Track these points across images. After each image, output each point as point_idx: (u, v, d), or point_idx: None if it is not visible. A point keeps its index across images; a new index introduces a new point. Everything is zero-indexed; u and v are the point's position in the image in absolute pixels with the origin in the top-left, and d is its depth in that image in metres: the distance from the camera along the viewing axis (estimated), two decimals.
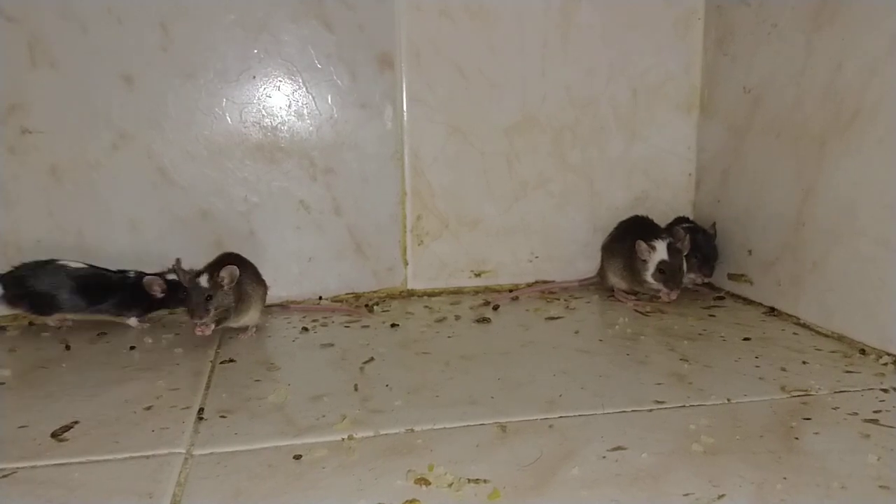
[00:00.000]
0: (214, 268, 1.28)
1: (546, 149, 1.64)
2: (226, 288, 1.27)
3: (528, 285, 1.67)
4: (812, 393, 1.02)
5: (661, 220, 1.62)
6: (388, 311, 1.52)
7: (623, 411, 0.97)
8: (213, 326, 1.27)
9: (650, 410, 0.97)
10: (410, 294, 1.63)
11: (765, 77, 1.44)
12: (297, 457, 0.86)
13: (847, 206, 1.24)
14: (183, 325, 1.42)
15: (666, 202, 1.70)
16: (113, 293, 1.40)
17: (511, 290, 1.64)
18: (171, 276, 1.40)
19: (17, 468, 0.85)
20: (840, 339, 1.26)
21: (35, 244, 1.44)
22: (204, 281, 1.26)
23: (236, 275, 1.27)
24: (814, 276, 1.33)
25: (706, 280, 1.58)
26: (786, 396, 1.01)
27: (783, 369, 1.12)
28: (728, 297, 1.57)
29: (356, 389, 1.07)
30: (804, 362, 1.15)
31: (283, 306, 1.53)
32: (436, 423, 0.94)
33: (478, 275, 1.66)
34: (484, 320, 1.44)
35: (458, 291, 1.65)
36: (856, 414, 0.95)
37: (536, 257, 1.68)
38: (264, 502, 0.76)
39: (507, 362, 1.19)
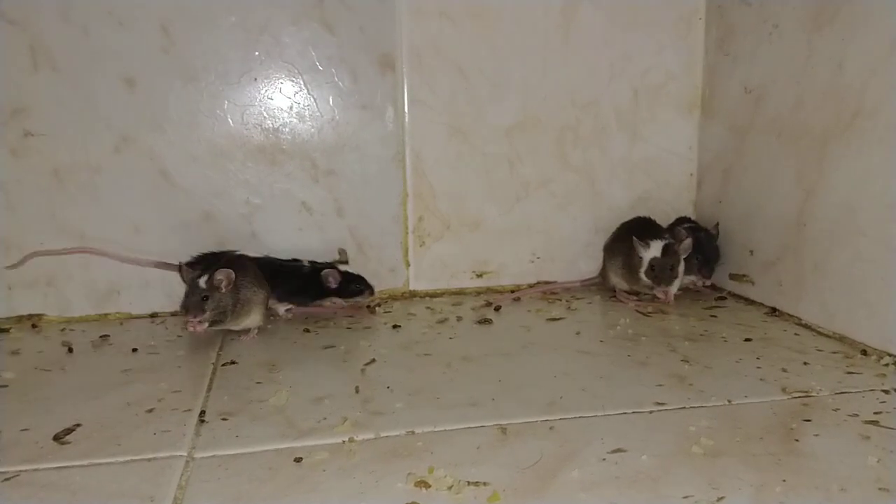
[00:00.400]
0: (216, 269, 1.28)
1: (547, 149, 1.64)
2: (223, 289, 1.27)
3: (530, 286, 1.68)
4: (813, 394, 1.02)
5: (663, 221, 1.62)
6: (389, 312, 1.53)
7: (623, 413, 0.97)
8: (205, 325, 1.28)
9: (650, 412, 0.97)
10: (412, 295, 1.64)
11: (766, 77, 1.44)
12: (298, 459, 0.86)
13: (848, 206, 1.24)
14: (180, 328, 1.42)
15: (667, 202, 1.70)
16: (286, 281, 1.46)
17: (513, 291, 1.64)
18: (344, 268, 1.49)
19: (20, 471, 0.85)
20: (841, 339, 1.26)
21: (37, 246, 1.44)
22: (202, 282, 1.27)
23: (232, 278, 1.27)
24: (815, 276, 1.33)
25: (706, 283, 1.58)
26: (786, 398, 1.01)
27: (784, 370, 1.12)
28: (729, 298, 1.57)
29: (357, 391, 1.07)
30: (805, 363, 1.15)
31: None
32: (436, 426, 0.94)
33: (479, 276, 1.66)
34: (485, 321, 1.44)
35: (459, 292, 1.65)
36: (856, 415, 0.95)
37: (538, 258, 1.68)
38: None
39: (509, 364, 1.20)
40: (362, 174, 1.57)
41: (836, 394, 1.02)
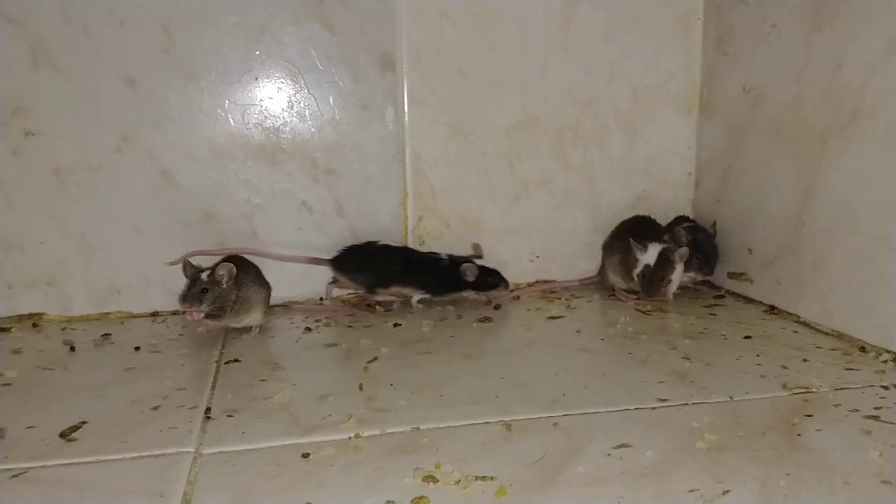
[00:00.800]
0: (217, 263, 1.30)
1: (547, 149, 1.65)
2: (224, 284, 1.28)
3: (529, 285, 1.68)
4: (813, 390, 1.03)
5: (662, 220, 1.63)
6: (390, 310, 1.53)
7: (626, 409, 0.98)
8: (202, 316, 1.29)
9: (653, 408, 0.98)
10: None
11: (764, 77, 1.45)
12: (305, 455, 0.86)
13: (847, 204, 1.25)
14: (186, 326, 1.43)
15: (666, 201, 1.71)
16: (424, 273, 1.55)
17: (512, 290, 1.65)
18: (480, 262, 1.56)
19: (28, 468, 0.85)
20: (840, 336, 1.27)
21: (38, 246, 1.45)
22: (204, 276, 1.28)
23: (233, 272, 1.29)
24: (814, 274, 1.34)
25: (706, 278, 1.59)
26: (787, 394, 1.02)
27: (784, 367, 1.13)
28: (728, 296, 1.58)
29: (361, 389, 1.08)
30: (805, 360, 1.16)
31: (286, 306, 1.54)
32: (441, 422, 0.95)
33: None
34: (486, 320, 1.45)
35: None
36: (857, 411, 0.96)
37: (537, 257, 1.69)
38: (274, 500, 0.77)
39: (510, 361, 1.20)
40: (362, 174, 1.57)
41: (836, 390, 1.03)
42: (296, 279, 1.57)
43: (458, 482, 0.79)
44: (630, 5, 1.62)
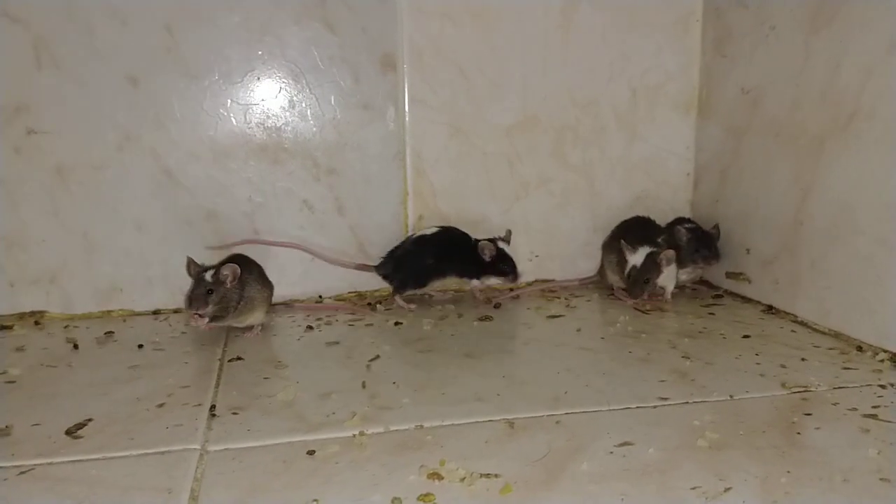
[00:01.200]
0: (221, 263, 1.30)
1: (547, 149, 1.66)
2: (228, 285, 1.29)
3: (529, 284, 1.69)
4: (812, 389, 1.04)
5: (661, 220, 1.63)
6: (390, 309, 1.54)
7: (628, 408, 0.99)
8: (207, 319, 1.29)
9: (654, 407, 0.99)
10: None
11: (763, 78, 1.46)
12: (311, 452, 0.87)
13: (845, 205, 1.26)
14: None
15: (665, 201, 1.72)
16: (459, 259, 1.56)
17: (512, 289, 1.65)
18: (502, 245, 1.55)
19: (35, 465, 0.86)
20: (837, 336, 1.28)
21: (40, 244, 1.45)
22: (208, 276, 1.29)
23: (238, 272, 1.29)
24: (812, 274, 1.35)
25: (713, 265, 1.59)
26: (786, 393, 1.03)
27: (783, 366, 1.14)
28: (726, 296, 1.59)
29: (364, 387, 1.09)
30: (803, 359, 1.17)
31: (287, 305, 1.54)
32: (444, 420, 0.96)
33: None
34: (486, 318, 1.46)
35: (459, 290, 1.66)
36: (855, 409, 0.97)
37: (537, 256, 1.70)
38: (281, 496, 0.77)
39: (511, 360, 1.22)
40: (363, 173, 1.58)
41: (835, 389, 1.04)
42: (296, 278, 1.58)
43: (462, 479, 0.80)
44: (630, 6, 1.63)
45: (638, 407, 0.99)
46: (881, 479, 0.79)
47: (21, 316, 1.46)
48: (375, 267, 1.57)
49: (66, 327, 1.43)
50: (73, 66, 1.42)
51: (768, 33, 1.43)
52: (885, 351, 1.18)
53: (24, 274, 1.46)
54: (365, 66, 1.54)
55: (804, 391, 1.04)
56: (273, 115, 1.52)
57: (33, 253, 1.45)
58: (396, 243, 1.58)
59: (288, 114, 1.52)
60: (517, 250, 1.67)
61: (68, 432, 0.94)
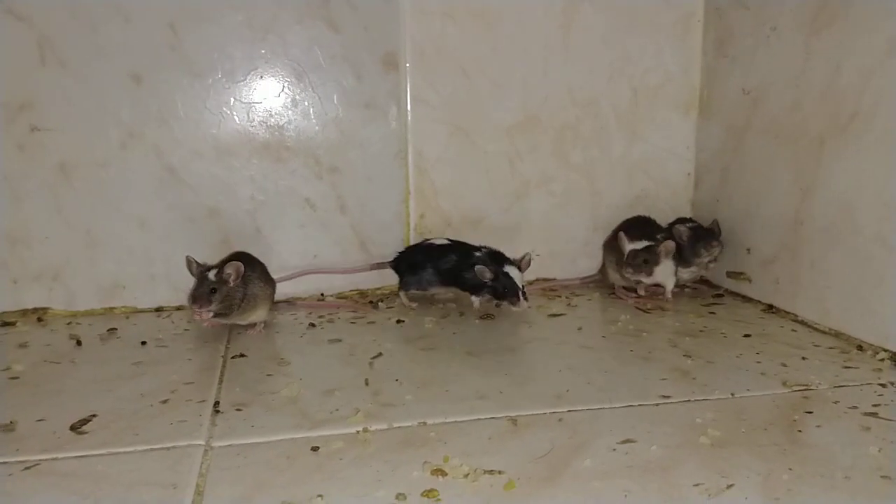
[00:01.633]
0: (225, 264, 1.30)
1: (548, 148, 1.66)
2: (231, 283, 1.29)
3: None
4: (812, 387, 1.05)
5: (661, 220, 1.64)
6: (392, 307, 1.55)
7: (630, 405, 1.00)
8: (210, 315, 1.29)
9: (656, 405, 1.00)
10: None
11: (764, 79, 1.46)
12: (315, 448, 0.88)
13: (845, 205, 1.26)
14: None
15: (665, 201, 1.73)
16: (460, 273, 1.50)
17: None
18: (509, 268, 1.45)
19: (40, 460, 0.86)
20: (837, 335, 1.29)
21: (43, 241, 1.46)
22: (212, 275, 1.29)
23: (241, 271, 1.30)
24: (812, 273, 1.35)
25: (715, 250, 1.57)
26: (787, 391, 1.04)
27: (783, 365, 1.14)
28: (727, 295, 1.60)
29: (367, 384, 1.09)
30: (803, 358, 1.18)
31: (290, 302, 1.55)
32: (447, 417, 0.96)
33: None
34: (487, 316, 1.46)
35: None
36: (856, 408, 0.98)
37: (538, 255, 1.69)
38: (286, 492, 0.78)
39: (513, 358, 1.22)
40: (365, 171, 1.58)
41: (835, 387, 1.05)
42: None
43: (466, 475, 0.80)
44: (631, 7, 1.63)
45: (640, 405, 1.00)
46: (882, 477, 0.79)
47: (24, 312, 1.47)
48: (390, 262, 1.58)
49: (68, 324, 1.43)
50: (76, 64, 1.42)
51: (769, 34, 1.44)
52: (886, 350, 1.18)
53: (27, 270, 1.46)
54: (367, 66, 1.54)
55: (805, 389, 1.04)
56: (276, 113, 1.52)
57: (36, 250, 1.46)
58: (413, 243, 1.60)
59: (290, 112, 1.53)
60: (518, 250, 1.67)
61: (73, 428, 0.95)
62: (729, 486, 0.77)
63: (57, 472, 0.84)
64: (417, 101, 1.58)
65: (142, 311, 1.52)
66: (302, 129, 1.54)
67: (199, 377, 1.13)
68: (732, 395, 1.02)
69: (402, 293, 1.56)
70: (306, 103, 1.53)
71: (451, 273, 1.51)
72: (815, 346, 1.24)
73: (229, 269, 1.28)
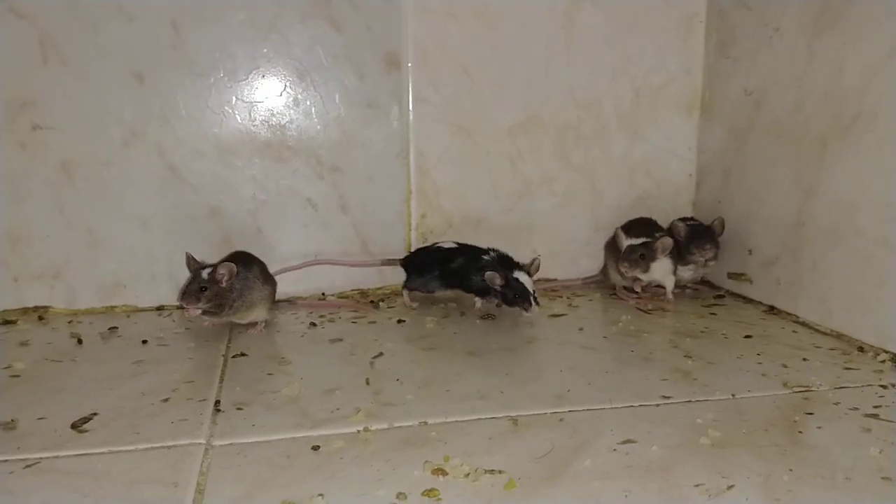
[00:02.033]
0: (220, 262, 1.32)
1: (549, 148, 1.66)
2: (223, 283, 1.29)
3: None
4: (813, 389, 1.05)
5: (663, 220, 1.64)
6: (393, 307, 1.55)
7: (631, 406, 0.99)
8: (198, 313, 1.30)
9: (657, 405, 1.00)
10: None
11: (766, 80, 1.46)
12: (315, 448, 0.88)
13: (847, 206, 1.26)
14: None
15: (667, 202, 1.73)
16: (465, 275, 1.50)
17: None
18: (519, 273, 1.43)
19: (41, 458, 0.86)
20: (838, 336, 1.29)
21: (44, 239, 1.46)
22: (205, 273, 1.30)
23: (234, 272, 1.30)
24: (813, 275, 1.35)
25: (708, 253, 1.57)
26: (788, 392, 1.04)
27: (784, 366, 1.14)
28: (728, 296, 1.60)
29: (368, 383, 1.09)
30: (804, 359, 1.18)
31: (290, 302, 1.55)
32: (448, 417, 0.96)
33: None
34: (488, 317, 1.46)
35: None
36: (856, 409, 0.98)
37: (539, 255, 1.69)
38: (287, 491, 0.78)
39: (514, 358, 1.22)
40: (367, 171, 1.58)
41: (836, 388, 1.05)
42: (298, 275, 1.58)
43: (467, 475, 0.80)
44: (633, 8, 1.63)
45: (640, 405, 1.00)
46: (883, 478, 0.79)
47: (25, 311, 1.47)
48: (400, 260, 1.58)
49: (69, 322, 1.44)
50: (78, 63, 1.42)
51: (772, 35, 1.44)
52: (887, 352, 1.18)
53: (28, 269, 1.46)
54: (369, 65, 1.54)
55: (806, 391, 1.04)
56: (277, 112, 1.52)
57: (38, 248, 1.46)
58: (421, 243, 1.62)
59: (292, 112, 1.53)
60: (519, 250, 1.67)
61: (74, 426, 0.95)
62: (729, 487, 0.77)
63: (58, 470, 0.84)
64: (419, 100, 1.58)
65: (143, 309, 1.52)
66: (304, 129, 1.54)
67: (199, 376, 1.13)
68: (733, 395, 1.02)
69: (405, 292, 1.56)
70: (308, 103, 1.53)
71: (458, 276, 1.50)
72: (816, 347, 1.24)
73: (222, 270, 1.28)
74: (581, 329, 1.38)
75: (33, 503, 0.77)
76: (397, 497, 0.76)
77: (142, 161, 1.47)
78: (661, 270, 1.54)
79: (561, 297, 1.61)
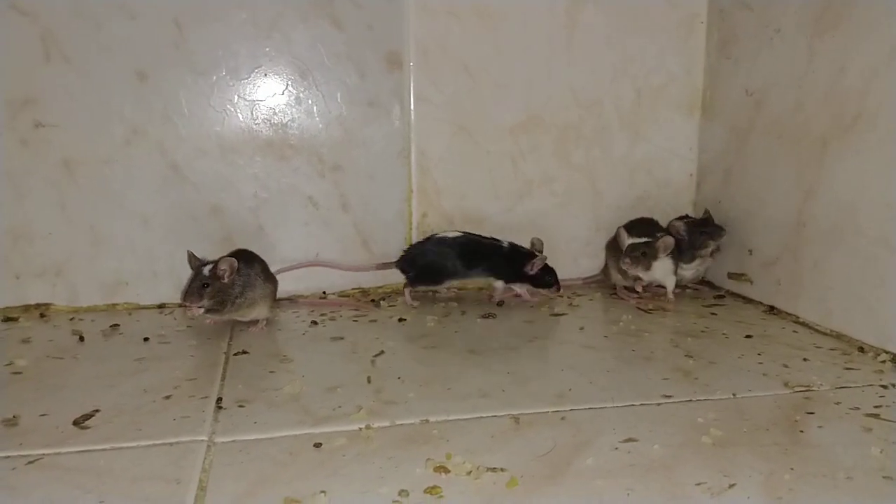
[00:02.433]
0: (220, 258, 1.31)
1: (550, 148, 1.66)
2: (225, 279, 1.29)
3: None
4: (814, 388, 1.05)
5: (663, 220, 1.64)
6: (394, 306, 1.55)
7: (632, 405, 1.00)
8: (201, 311, 1.30)
9: (658, 404, 1.00)
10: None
11: (767, 80, 1.47)
12: (318, 445, 0.88)
13: (847, 206, 1.27)
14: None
15: (667, 202, 1.73)
16: (486, 258, 1.55)
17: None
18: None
19: (43, 454, 0.86)
20: (839, 337, 1.29)
21: (47, 237, 1.46)
22: (206, 270, 1.30)
23: (234, 267, 1.30)
24: (813, 275, 1.36)
25: (719, 237, 1.59)
26: (789, 392, 1.04)
27: (785, 366, 1.15)
28: (728, 296, 1.60)
29: (369, 381, 1.09)
30: (805, 359, 1.18)
31: (292, 300, 1.55)
32: (450, 415, 0.96)
33: None
34: (489, 316, 1.46)
35: (462, 287, 1.67)
36: (857, 409, 0.98)
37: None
38: (289, 488, 0.78)
39: (515, 356, 1.22)
40: (368, 170, 1.59)
41: (837, 388, 1.05)
42: (300, 273, 1.58)
43: (469, 473, 0.80)
44: (634, 8, 1.63)
45: (642, 404, 1.00)
46: (884, 477, 0.79)
47: (27, 308, 1.47)
48: (395, 262, 1.58)
49: (71, 319, 1.44)
50: (81, 60, 1.42)
51: (773, 36, 1.44)
52: (887, 352, 1.18)
53: (30, 266, 1.46)
54: (371, 64, 1.55)
55: (806, 390, 1.04)
56: (279, 111, 1.52)
57: (39, 246, 1.46)
58: (416, 241, 1.61)
59: (294, 110, 1.53)
60: None
61: (76, 423, 0.95)
62: (731, 486, 0.77)
63: (60, 467, 0.84)
64: (420, 100, 1.58)
65: (144, 307, 1.52)
66: (305, 128, 1.54)
67: (201, 373, 1.13)
68: (734, 395, 1.03)
69: (406, 290, 1.56)
70: (310, 101, 1.53)
71: (486, 260, 1.55)
72: (817, 347, 1.24)
73: (223, 265, 1.29)
74: (582, 328, 1.38)
75: (35, 499, 0.77)
76: (399, 494, 0.76)
77: (144, 159, 1.47)
78: (662, 270, 1.54)
79: (562, 296, 1.61)
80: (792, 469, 0.81)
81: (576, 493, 0.77)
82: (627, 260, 1.51)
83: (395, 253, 1.61)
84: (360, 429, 0.92)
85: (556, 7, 1.60)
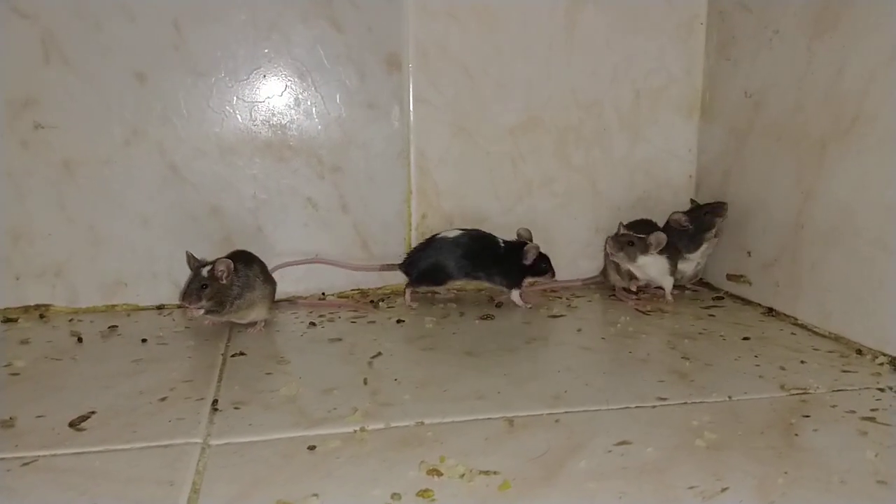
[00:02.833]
0: (218, 259, 1.31)
1: (550, 149, 1.66)
2: (224, 280, 1.30)
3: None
4: (811, 391, 1.05)
5: (663, 221, 1.63)
6: (392, 307, 1.55)
7: (627, 407, 1.00)
8: (200, 312, 1.30)
9: (653, 407, 1.00)
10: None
11: (766, 82, 1.46)
12: (312, 447, 0.88)
13: (846, 208, 1.26)
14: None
15: (667, 203, 1.73)
16: (485, 266, 1.55)
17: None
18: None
19: (38, 456, 0.87)
20: (837, 339, 1.29)
21: (46, 237, 1.46)
22: (204, 271, 1.30)
23: (231, 268, 1.30)
24: (812, 277, 1.35)
25: (723, 213, 1.58)
26: (785, 394, 1.04)
27: (782, 368, 1.14)
28: (727, 298, 1.60)
29: (365, 383, 1.09)
30: (802, 361, 1.18)
31: (290, 301, 1.55)
32: (445, 417, 0.97)
33: None
34: (487, 317, 1.46)
35: (461, 289, 1.67)
36: (853, 412, 0.98)
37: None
38: (282, 490, 0.78)
39: (512, 358, 1.22)
40: (367, 171, 1.59)
41: (833, 391, 1.05)
42: (299, 274, 1.59)
43: (462, 476, 0.81)
44: (634, 9, 1.63)
45: (637, 407, 1.00)
46: (878, 482, 0.79)
47: (26, 309, 1.47)
48: (399, 265, 1.58)
49: (70, 320, 1.44)
50: (81, 62, 1.42)
51: (772, 37, 1.44)
52: (885, 354, 1.18)
53: (29, 267, 1.47)
54: (370, 65, 1.55)
55: (803, 393, 1.04)
56: (279, 112, 1.53)
57: (39, 246, 1.46)
58: (418, 242, 1.60)
59: (293, 111, 1.53)
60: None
61: (72, 424, 0.95)
62: (724, 490, 0.77)
63: (55, 469, 0.84)
64: (420, 101, 1.58)
65: (143, 308, 1.52)
66: (304, 129, 1.54)
67: (198, 375, 1.14)
68: (730, 397, 1.03)
69: (407, 291, 1.56)
70: (309, 103, 1.54)
71: (483, 265, 1.54)
72: (815, 349, 1.24)
73: (221, 266, 1.29)
74: (580, 330, 1.38)
75: (30, 501, 0.77)
76: (392, 497, 0.76)
77: (143, 160, 1.48)
78: (658, 269, 1.54)
79: (560, 297, 1.62)
80: (785, 473, 0.81)
81: (568, 496, 0.77)
82: (611, 242, 1.51)
83: (395, 254, 1.61)
84: (355, 431, 0.93)
85: (556, 8, 1.60)
